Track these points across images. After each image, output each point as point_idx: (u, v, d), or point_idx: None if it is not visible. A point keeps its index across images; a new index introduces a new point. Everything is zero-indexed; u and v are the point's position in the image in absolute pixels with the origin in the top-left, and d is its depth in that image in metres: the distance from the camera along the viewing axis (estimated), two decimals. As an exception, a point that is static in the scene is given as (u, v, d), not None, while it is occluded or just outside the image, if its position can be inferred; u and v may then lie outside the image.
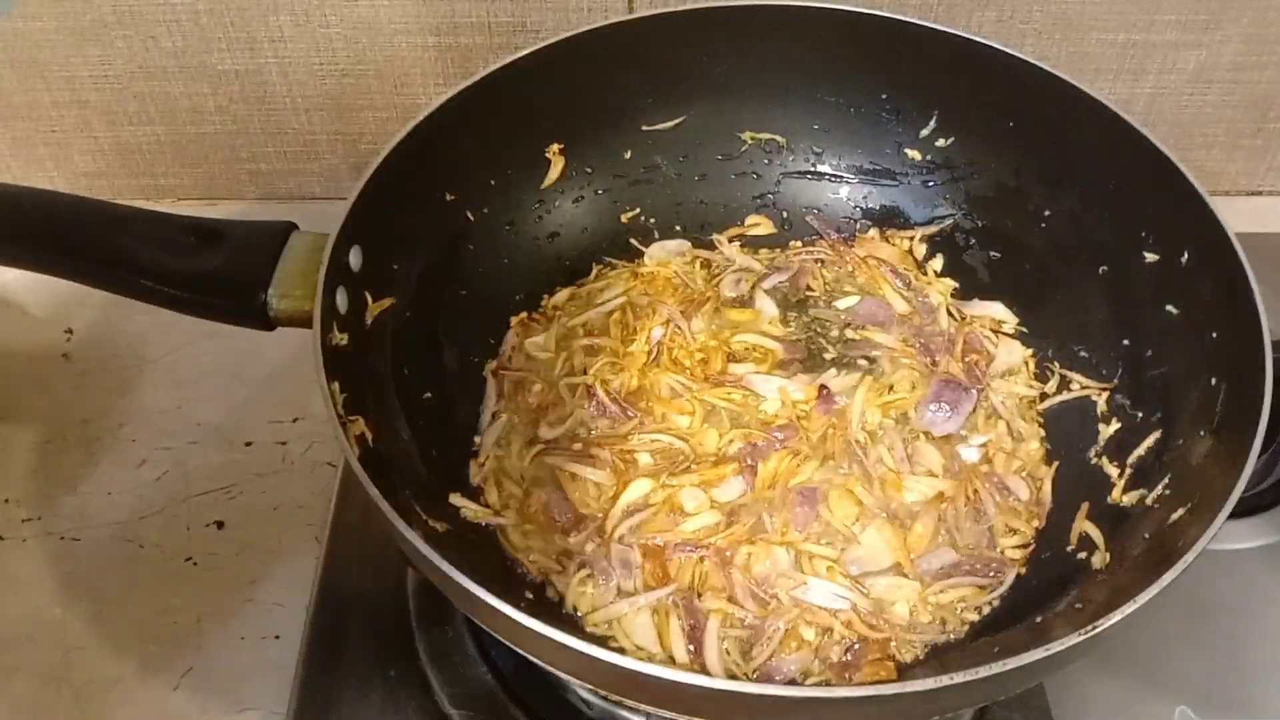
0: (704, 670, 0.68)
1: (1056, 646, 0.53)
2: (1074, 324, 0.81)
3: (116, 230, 0.70)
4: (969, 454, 0.78)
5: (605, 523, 0.73)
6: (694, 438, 0.78)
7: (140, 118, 1.03)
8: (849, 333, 0.85)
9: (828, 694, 0.57)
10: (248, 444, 0.89)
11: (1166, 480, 0.69)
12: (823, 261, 0.89)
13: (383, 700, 0.74)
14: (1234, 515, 0.58)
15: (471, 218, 0.83)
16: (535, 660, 0.59)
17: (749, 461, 0.76)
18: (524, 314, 0.86)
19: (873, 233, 0.90)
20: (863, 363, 0.83)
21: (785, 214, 0.92)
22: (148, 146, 1.05)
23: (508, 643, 0.60)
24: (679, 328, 0.84)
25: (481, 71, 0.79)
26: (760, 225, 0.91)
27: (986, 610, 0.71)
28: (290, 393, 0.92)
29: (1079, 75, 0.78)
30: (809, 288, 0.88)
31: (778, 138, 0.90)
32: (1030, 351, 0.83)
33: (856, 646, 0.69)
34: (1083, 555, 0.70)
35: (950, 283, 0.88)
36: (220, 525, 0.85)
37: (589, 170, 0.88)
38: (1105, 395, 0.78)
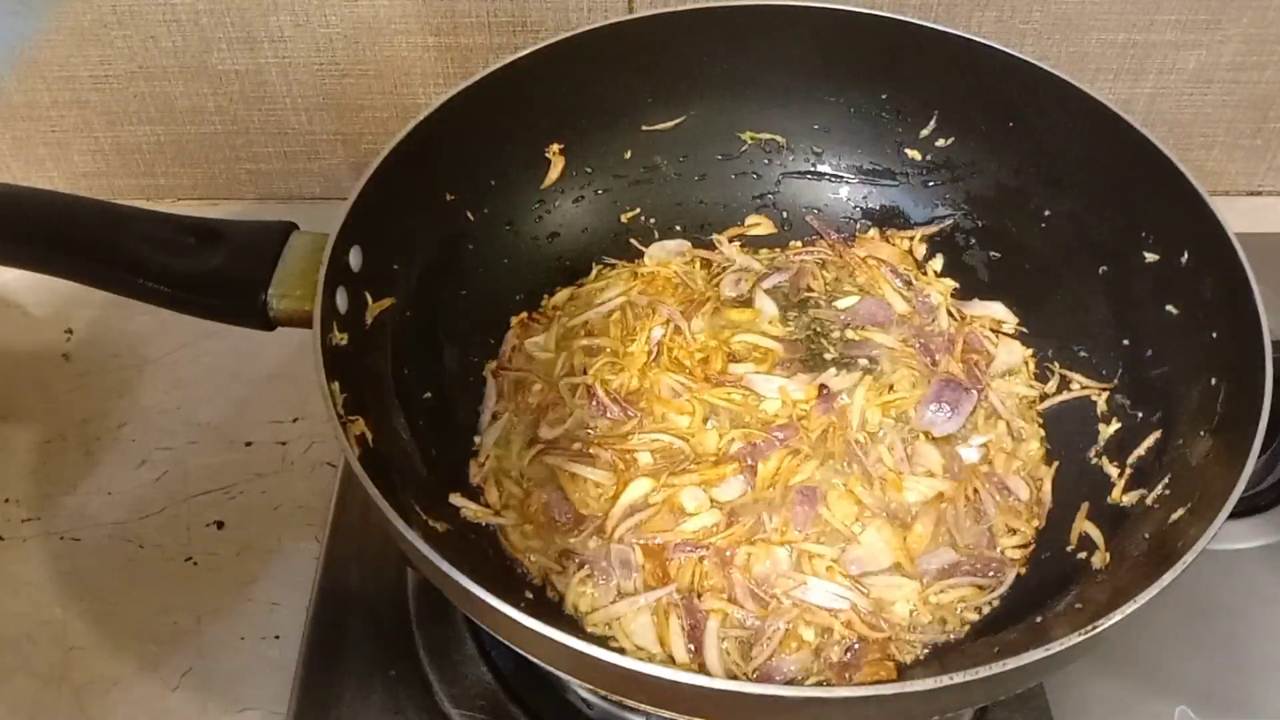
0: (704, 670, 0.68)
1: (1056, 646, 0.53)
2: (1074, 324, 0.81)
3: (116, 230, 0.70)
4: (969, 454, 0.78)
5: (605, 523, 0.73)
6: (694, 438, 0.78)
7: (140, 118, 1.03)
8: (849, 333, 0.85)
9: (828, 694, 0.57)
10: (248, 444, 0.89)
11: (1166, 480, 0.69)
12: (823, 261, 0.89)
13: (383, 700, 0.74)
14: (1234, 515, 0.58)
15: (471, 218, 0.83)
16: (535, 660, 0.59)
17: (749, 461, 0.76)
18: (524, 314, 0.86)
19: (873, 233, 0.90)
20: (863, 363, 0.83)
21: (785, 214, 0.92)
22: (148, 146, 1.05)
23: (508, 643, 0.60)
24: (679, 328, 0.84)
25: (481, 71, 0.79)
26: (760, 225, 0.91)
27: (986, 610, 0.71)
28: (290, 393, 0.92)
29: (1079, 75, 0.78)
30: (809, 288, 0.88)
31: (778, 138, 0.90)
32: (1030, 351, 0.83)
33: (856, 646, 0.69)
34: (1083, 555, 0.70)
35: (950, 283, 0.88)
36: (220, 525, 0.85)
37: (589, 170, 0.88)
38: (1105, 395, 0.78)
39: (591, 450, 0.77)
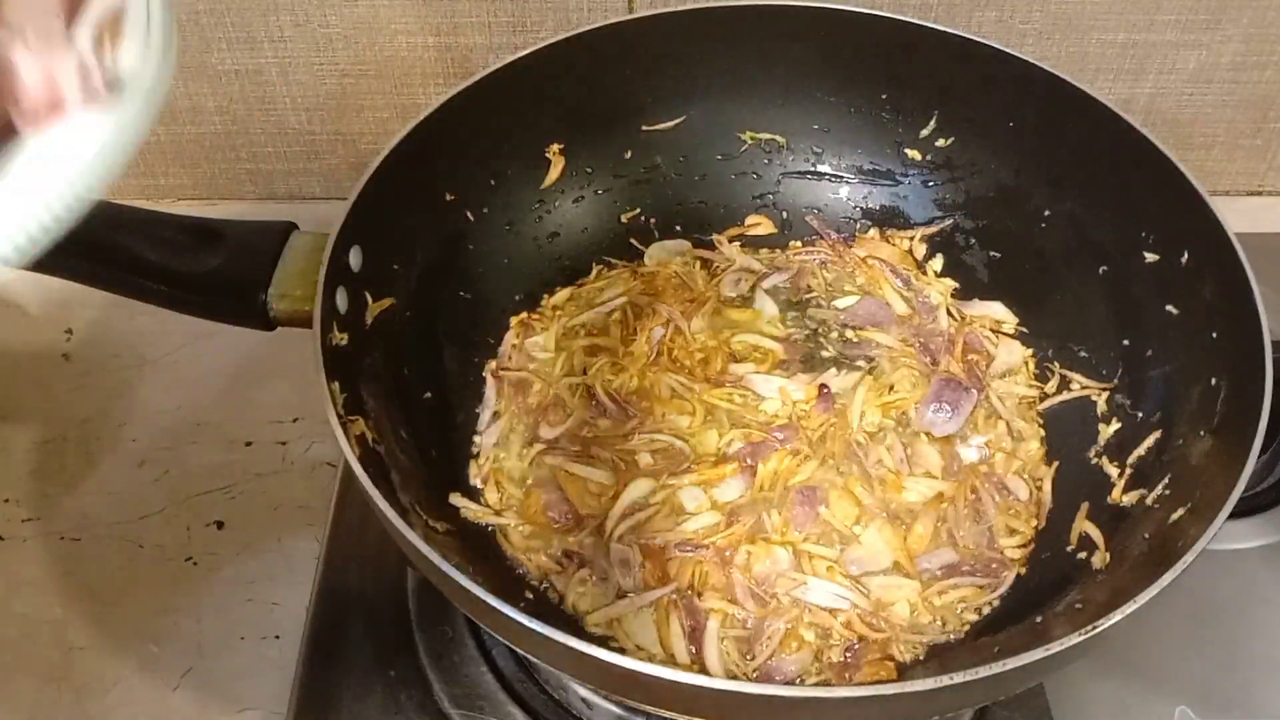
0: (704, 670, 0.68)
1: (1056, 646, 0.53)
2: (1074, 324, 0.81)
3: (116, 230, 0.70)
4: (969, 454, 0.78)
5: (605, 523, 0.73)
6: (694, 438, 0.78)
7: (140, 118, 1.03)
8: (849, 333, 0.85)
9: (828, 694, 0.57)
10: (248, 444, 0.89)
11: (1166, 480, 0.69)
12: (823, 261, 0.89)
13: (383, 700, 0.74)
14: (1234, 515, 0.58)
15: (471, 218, 0.83)
16: (535, 660, 0.59)
17: (749, 462, 0.76)
18: (524, 314, 0.86)
19: (873, 233, 0.90)
20: (862, 363, 0.83)
21: (785, 214, 0.92)
22: (147, 146, 1.05)
23: (507, 643, 0.60)
24: (679, 328, 0.84)
25: (481, 71, 0.79)
26: (760, 225, 0.91)
27: (986, 610, 0.71)
28: (290, 393, 0.92)
29: (1079, 75, 0.78)
30: (809, 288, 0.88)
31: (778, 138, 0.90)
32: (1030, 351, 0.83)
33: (856, 646, 0.69)
34: (1083, 555, 0.70)
35: (950, 283, 0.88)
36: (220, 525, 0.85)
37: (589, 170, 0.88)
38: (1105, 395, 0.78)
39: (591, 450, 0.77)
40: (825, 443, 0.78)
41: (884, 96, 0.87)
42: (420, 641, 0.76)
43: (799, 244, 0.91)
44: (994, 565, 0.73)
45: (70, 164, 0.49)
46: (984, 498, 0.75)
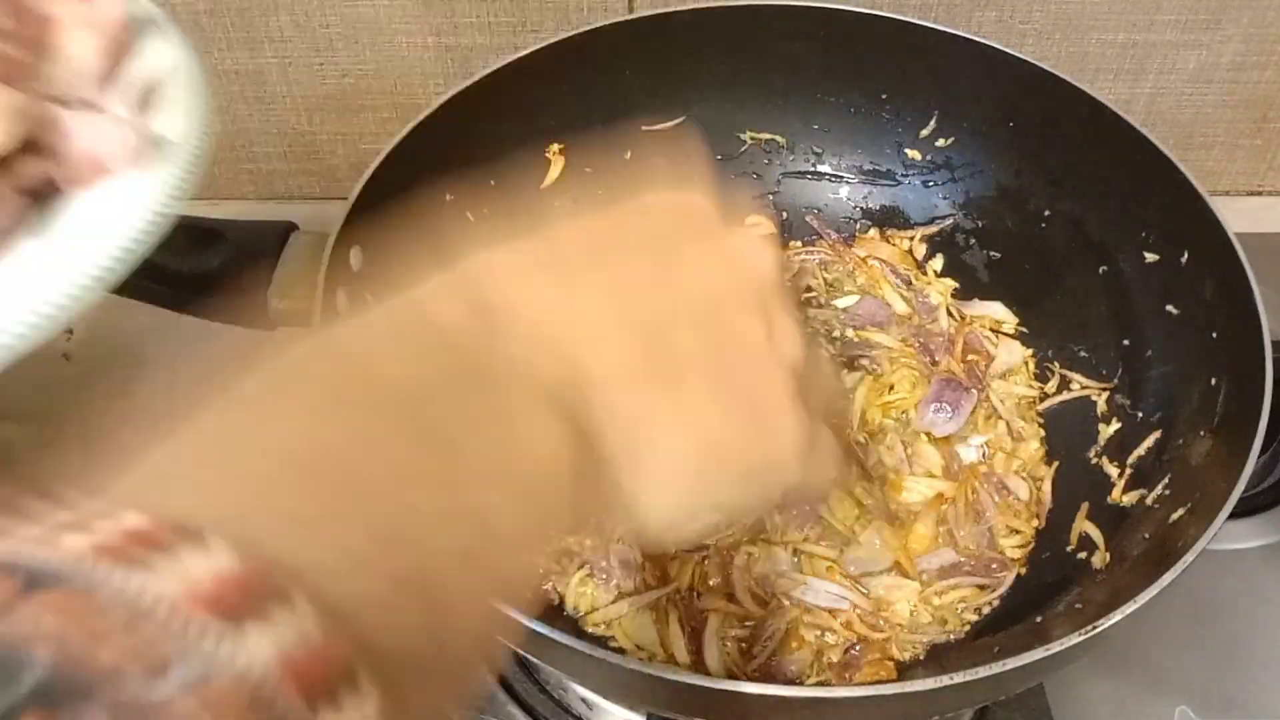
0: (704, 670, 0.68)
1: (1056, 646, 0.53)
2: (1074, 324, 0.81)
3: (116, 230, 0.70)
4: (968, 454, 0.78)
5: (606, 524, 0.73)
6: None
7: (140, 118, 1.03)
8: (849, 333, 0.85)
9: (828, 694, 0.57)
10: (248, 444, 0.89)
11: (1166, 480, 0.69)
12: (823, 261, 0.89)
13: (383, 700, 0.74)
14: (1234, 515, 0.58)
15: (472, 218, 0.83)
16: (535, 660, 0.59)
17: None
18: (524, 314, 0.85)
19: (873, 233, 0.90)
20: (863, 363, 0.83)
21: (785, 214, 0.92)
22: (148, 146, 1.05)
23: (508, 643, 0.60)
24: (679, 328, 0.84)
25: (481, 71, 0.79)
26: (760, 225, 0.91)
27: (986, 610, 0.71)
28: (290, 393, 0.92)
29: (1079, 75, 0.78)
30: (809, 288, 0.88)
31: (778, 138, 0.90)
32: (1030, 351, 0.83)
33: (857, 647, 0.69)
34: (1083, 555, 0.70)
35: (950, 283, 0.88)
36: (220, 525, 0.84)
37: (589, 170, 0.88)
38: (1105, 395, 0.78)
39: (591, 450, 0.77)
40: (825, 442, 0.78)
41: (884, 96, 0.87)
42: (420, 641, 0.76)
43: (799, 244, 0.91)
44: (994, 565, 0.73)
45: (113, 223, 0.50)
46: (984, 498, 0.75)
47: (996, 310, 0.86)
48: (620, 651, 0.66)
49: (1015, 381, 0.82)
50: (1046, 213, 0.83)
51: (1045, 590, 0.69)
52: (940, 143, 0.87)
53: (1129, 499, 0.71)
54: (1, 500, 0.26)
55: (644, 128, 0.88)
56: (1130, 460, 0.73)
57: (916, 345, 0.84)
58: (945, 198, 0.88)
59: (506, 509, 0.35)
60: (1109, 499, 0.73)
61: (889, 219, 0.90)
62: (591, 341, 0.39)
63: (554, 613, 0.70)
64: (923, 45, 0.82)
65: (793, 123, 0.89)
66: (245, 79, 1.00)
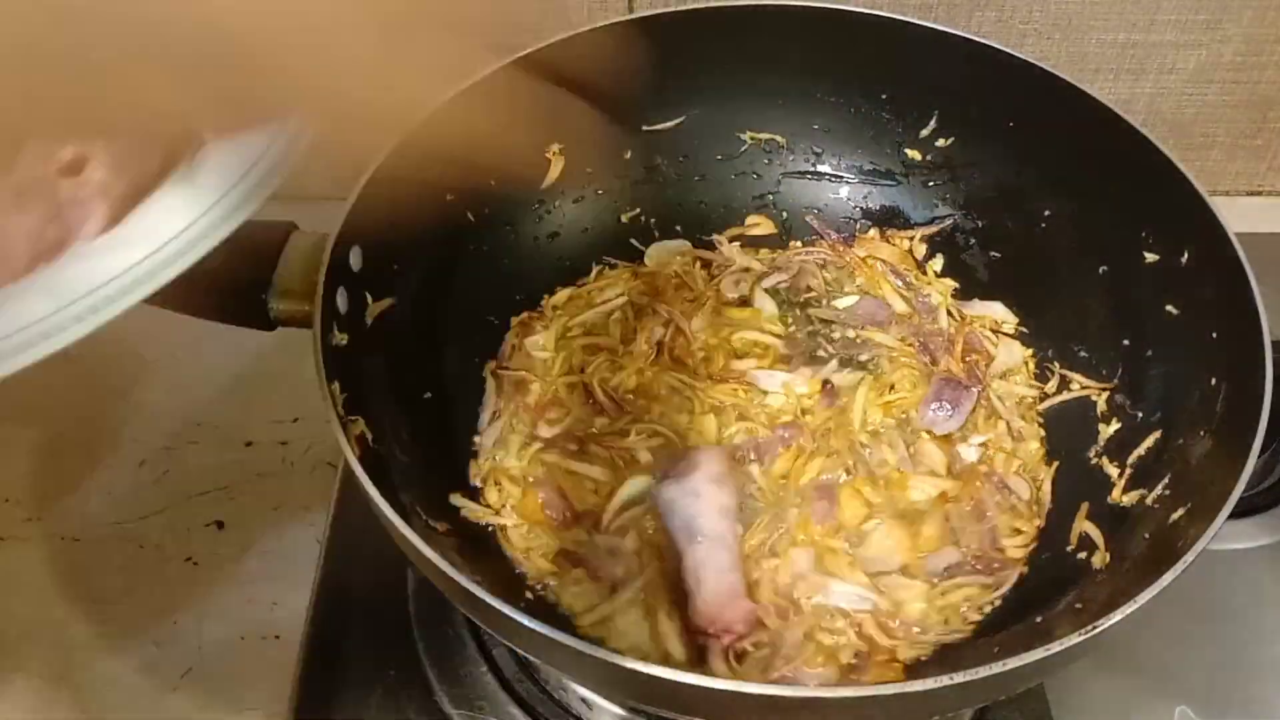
0: (704, 670, 0.67)
1: (1057, 646, 0.54)
2: (1074, 324, 0.81)
3: (116, 230, 0.70)
4: (969, 454, 0.78)
5: (601, 518, 0.73)
6: (693, 429, 0.78)
7: (140, 118, 1.03)
8: (849, 333, 0.85)
9: (828, 694, 0.57)
10: (248, 444, 0.89)
11: (1166, 480, 0.68)
12: (823, 261, 0.89)
13: (383, 700, 0.74)
14: (1234, 515, 0.58)
15: (472, 218, 0.83)
16: (535, 660, 0.59)
17: (751, 456, 0.76)
18: (524, 314, 0.86)
19: (873, 233, 0.90)
20: (868, 362, 0.83)
21: (785, 214, 0.92)
22: (148, 146, 1.05)
23: (507, 643, 0.60)
24: (679, 327, 0.84)
25: (481, 71, 0.79)
26: (760, 225, 0.91)
27: (989, 610, 0.71)
28: (290, 393, 0.92)
29: (1079, 75, 0.78)
30: (809, 288, 0.88)
31: (778, 138, 0.90)
32: (1030, 351, 0.83)
33: (865, 650, 0.68)
34: (1083, 555, 0.70)
35: (950, 283, 0.88)
36: (220, 525, 0.85)
37: (589, 170, 0.88)
38: (1105, 395, 0.78)
39: (589, 448, 0.77)
40: (828, 439, 0.78)
41: (884, 96, 0.87)
42: (420, 641, 0.76)
43: (799, 244, 0.91)
44: (996, 565, 0.72)
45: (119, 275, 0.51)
46: (985, 498, 0.75)
47: (996, 310, 0.86)
48: (615, 651, 0.66)
49: (1015, 381, 0.82)
50: (1046, 213, 0.83)
51: (1045, 590, 0.69)
52: (940, 143, 0.87)
53: (1129, 499, 0.71)
54: None
55: (644, 128, 0.88)
56: (1130, 460, 0.73)
57: (916, 345, 0.84)
58: (945, 198, 0.88)
59: None
60: (1109, 499, 0.73)
61: (889, 219, 0.90)
62: None
63: (554, 612, 0.70)
64: (923, 45, 0.82)
65: (793, 123, 0.89)
66: (245, 79, 1.00)
